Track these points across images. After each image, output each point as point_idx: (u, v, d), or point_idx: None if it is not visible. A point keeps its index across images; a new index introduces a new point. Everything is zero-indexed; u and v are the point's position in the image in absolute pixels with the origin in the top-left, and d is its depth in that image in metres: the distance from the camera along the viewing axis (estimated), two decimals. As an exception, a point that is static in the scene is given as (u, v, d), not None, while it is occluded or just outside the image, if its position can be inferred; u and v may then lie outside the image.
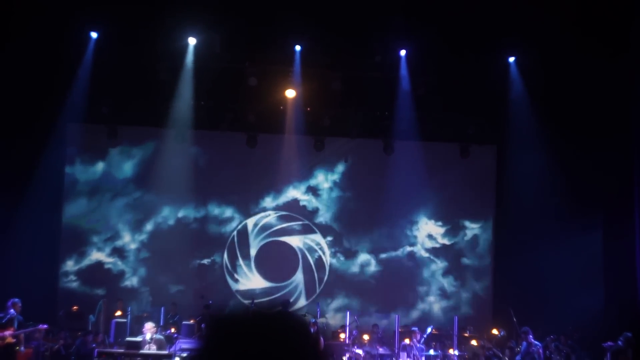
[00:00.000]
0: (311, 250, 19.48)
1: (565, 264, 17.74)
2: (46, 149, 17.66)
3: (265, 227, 19.43)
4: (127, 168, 19.18)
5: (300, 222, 19.48)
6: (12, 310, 13.88)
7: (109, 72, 17.23)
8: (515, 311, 16.64)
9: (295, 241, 19.50)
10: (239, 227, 19.35)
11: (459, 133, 18.75)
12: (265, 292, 19.21)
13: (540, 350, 15.27)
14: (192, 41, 17.40)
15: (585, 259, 17.79)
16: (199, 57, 17.57)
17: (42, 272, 17.80)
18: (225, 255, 19.25)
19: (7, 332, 13.68)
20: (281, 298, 18.75)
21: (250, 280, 19.28)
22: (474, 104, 17.95)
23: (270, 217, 19.46)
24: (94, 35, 17.17)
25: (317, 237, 19.47)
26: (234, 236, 19.31)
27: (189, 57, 17.54)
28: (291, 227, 19.50)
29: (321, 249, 19.50)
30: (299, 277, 19.40)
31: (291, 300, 18.85)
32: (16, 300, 14.06)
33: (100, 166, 19.10)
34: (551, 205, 18.03)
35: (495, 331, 17.27)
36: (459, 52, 16.96)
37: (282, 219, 19.48)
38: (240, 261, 19.30)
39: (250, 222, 19.41)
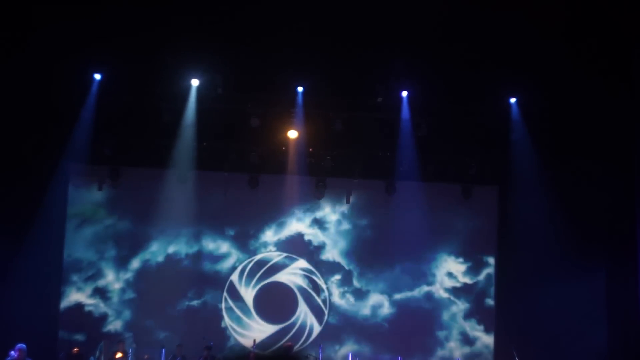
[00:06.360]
0: (315, 291, 18.75)
1: (569, 305, 17.64)
2: (48, 190, 17.60)
3: (264, 267, 18.75)
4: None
5: (304, 260, 18.78)
6: (12, 352, 13.79)
7: (112, 113, 17.35)
8: (518, 352, 16.50)
9: (297, 281, 18.77)
10: (235, 266, 18.67)
11: (460, 174, 18.69)
12: (264, 335, 18.30)
13: None
14: (195, 82, 17.50)
15: (589, 300, 17.68)
16: (202, 98, 17.65)
17: (40, 314, 17.42)
18: (220, 297, 18.56)
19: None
20: (282, 340, 18.32)
21: (247, 323, 18.53)
22: (476, 145, 18.00)
23: (270, 254, 18.79)
24: (97, 77, 17.29)
25: (321, 278, 18.75)
26: (229, 277, 18.61)
27: (192, 98, 17.60)
28: (293, 266, 18.82)
29: (327, 289, 18.69)
30: (300, 319, 18.63)
31: (292, 343, 18.23)
32: (21, 345, 13.93)
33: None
34: (554, 245, 17.95)
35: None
36: (461, 93, 17.08)
37: (283, 257, 18.80)
38: (239, 302, 18.66)
39: (247, 261, 18.74)
